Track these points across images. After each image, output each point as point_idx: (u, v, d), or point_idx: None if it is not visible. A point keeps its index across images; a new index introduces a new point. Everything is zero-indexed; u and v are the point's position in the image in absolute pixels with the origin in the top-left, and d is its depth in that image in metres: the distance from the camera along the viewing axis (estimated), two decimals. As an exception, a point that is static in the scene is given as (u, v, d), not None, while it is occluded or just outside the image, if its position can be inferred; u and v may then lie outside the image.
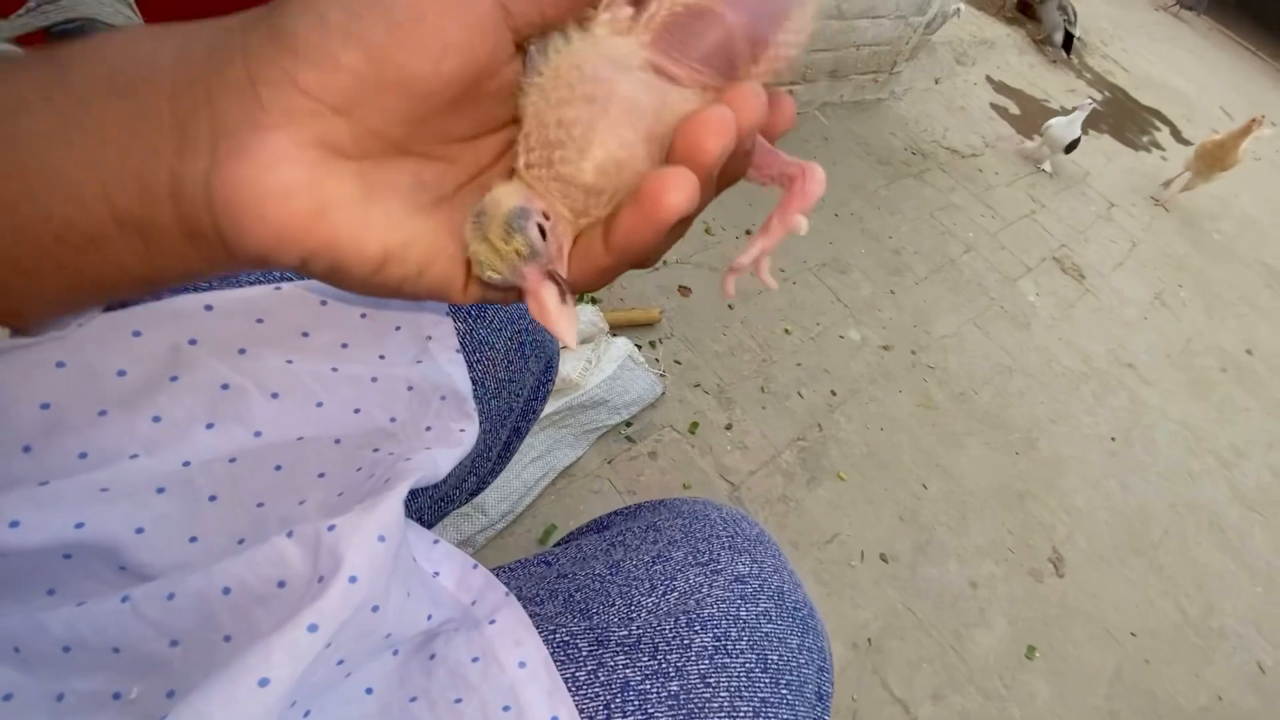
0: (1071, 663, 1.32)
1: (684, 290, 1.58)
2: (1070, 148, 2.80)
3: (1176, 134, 4.26)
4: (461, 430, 0.37)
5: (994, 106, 3.14)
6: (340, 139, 0.18)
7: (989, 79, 3.46)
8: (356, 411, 0.32)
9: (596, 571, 0.36)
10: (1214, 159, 2.87)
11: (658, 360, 1.42)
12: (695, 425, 1.34)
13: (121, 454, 0.27)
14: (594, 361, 1.20)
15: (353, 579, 0.25)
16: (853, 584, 1.25)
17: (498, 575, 0.36)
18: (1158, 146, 3.95)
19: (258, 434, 0.29)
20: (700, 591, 0.35)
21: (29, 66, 0.18)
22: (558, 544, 0.44)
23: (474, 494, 0.46)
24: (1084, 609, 1.42)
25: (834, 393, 1.56)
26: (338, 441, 0.32)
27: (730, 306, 1.62)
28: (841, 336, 1.70)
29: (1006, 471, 1.60)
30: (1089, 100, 2.85)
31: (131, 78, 0.18)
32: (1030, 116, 3.39)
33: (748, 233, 1.84)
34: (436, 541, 0.35)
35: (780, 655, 0.35)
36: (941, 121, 2.87)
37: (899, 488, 1.44)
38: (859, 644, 1.18)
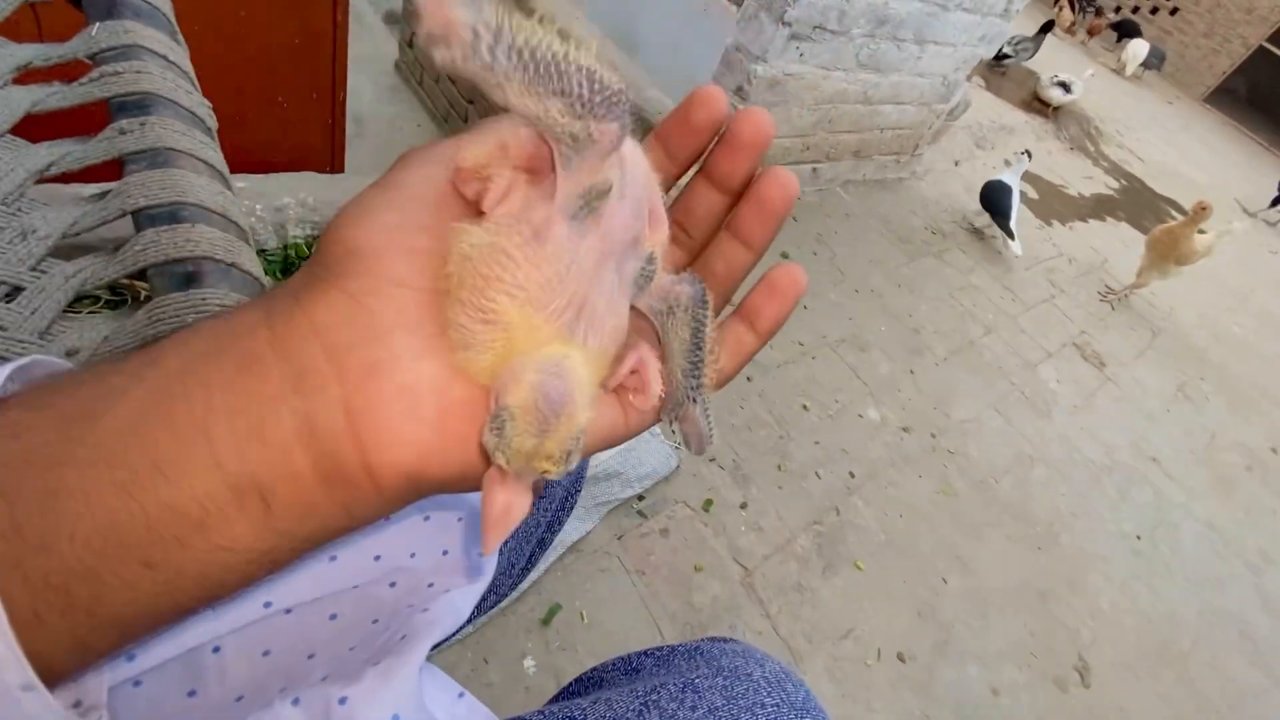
0: (1099, 786, 1.24)
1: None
2: (1002, 209, 2.53)
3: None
4: (480, 555, 0.34)
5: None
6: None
7: (1007, 164, 3.53)
8: (377, 559, 0.30)
9: None
10: (1165, 248, 2.60)
11: (674, 431, 1.39)
12: (709, 503, 1.30)
13: (118, 656, 0.23)
14: (610, 433, 1.17)
15: None
16: (868, 685, 1.18)
17: (516, 725, 0.33)
18: (1174, 236, 3.98)
19: (267, 604, 0.27)
20: None
21: (116, 360, 0.17)
22: (582, 683, 0.41)
23: (492, 609, 0.43)
24: (1112, 725, 1.33)
25: (852, 474, 1.52)
26: (355, 586, 0.29)
27: (748, 379, 1.60)
28: (860, 416, 1.67)
29: (1029, 568, 1.54)
30: (1024, 152, 2.69)
31: (227, 342, 0.17)
32: (1048, 201, 3.44)
33: (768, 304, 1.84)
34: (462, 695, 0.32)
35: None
36: (961, 202, 2.91)
37: (917, 580, 1.38)
38: (873, 753, 1.10)
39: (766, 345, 0.25)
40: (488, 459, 0.18)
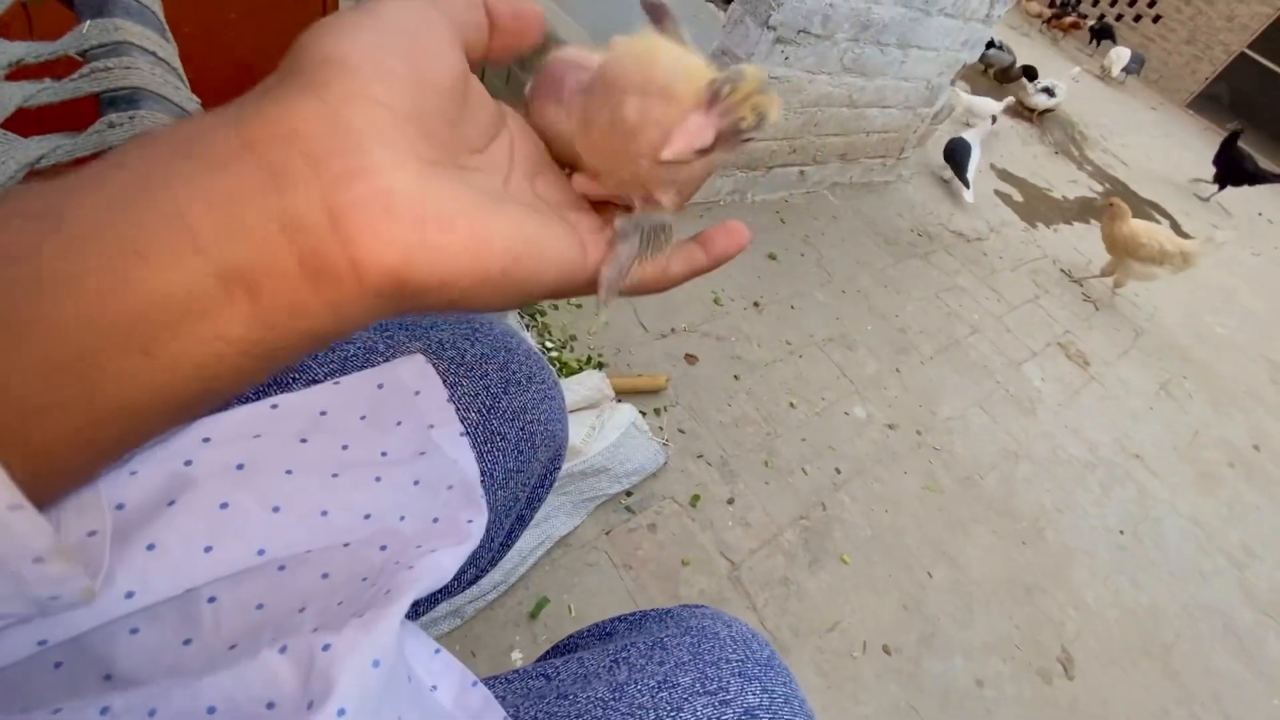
0: (1083, 775, 1.25)
1: (691, 358, 1.59)
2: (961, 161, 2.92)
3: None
4: (470, 521, 0.35)
5: (998, 193, 3.23)
6: (421, 146, 0.18)
7: (993, 167, 3.58)
8: (367, 518, 0.31)
9: (599, 695, 0.34)
10: (1112, 245, 2.73)
11: (661, 429, 1.41)
12: (697, 498, 1.32)
13: (116, 592, 0.25)
14: (597, 428, 1.18)
15: (341, 711, 0.23)
16: (854, 677, 1.20)
17: (493, 685, 0.34)
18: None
19: (261, 551, 0.28)
20: None
21: (79, 169, 0.16)
22: (558, 650, 0.42)
23: (471, 583, 0.44)
24: (1095, 716, 1.35)
25: (838, 470, 1.53)
26: (346, 545, 0.31)
27: (736, 377, 1.62)
28: (847, 413, 1.69)
29: (1013, 562, 1.56)
30: (992, 117, 3.12)
31: (193, 144, 0.16)
32: (1033, 204, 3.49)
33: (755, 304, 1.86)
34: (438, 651, 0.33)
35: None
36: (947, 206, 2.95)
37: (903, 574, 1.40)
38: (859, 744, 1.12)
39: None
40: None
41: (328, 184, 0.16)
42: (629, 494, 1.26)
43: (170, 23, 0.78)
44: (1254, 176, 4.95)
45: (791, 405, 1.63)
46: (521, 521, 0.47)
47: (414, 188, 0.17)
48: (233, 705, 0.24)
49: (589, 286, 0.23)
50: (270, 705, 0.24)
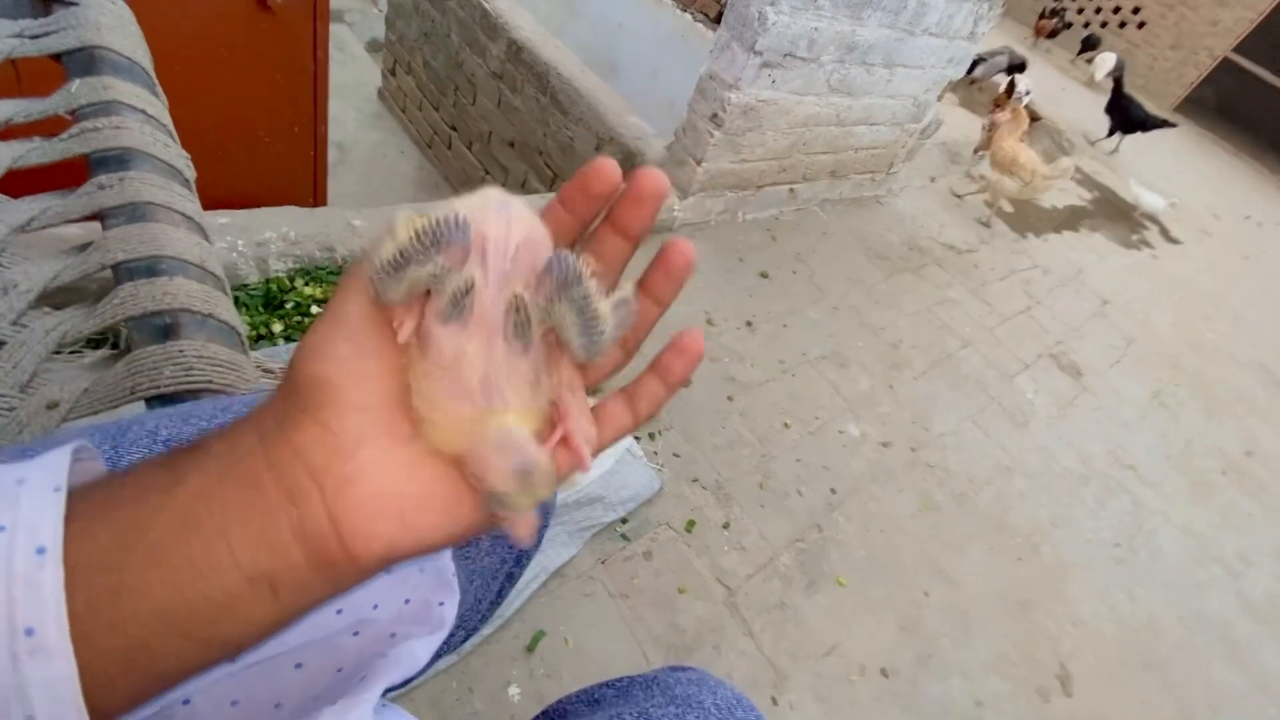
0: (1084, 795, 1.25)
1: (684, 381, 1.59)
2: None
3: (1165, 233, 4.40)
4: (441, 604, 0.36)
5: (988, 205, 3.25)
6: (403, 424, 0.23)
7: (984, 177, 3.60)
8: (339, 613, 0.32)
9: None
10: (999, 162, 3.05)
11: (656, 453, 1.41)
12: (692, 523, 1.32)
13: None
14: (592, 458, 1.19)
15: None
16: (852, 701, 1.20)
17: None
18: (1148, 245, 4.07)
19: (233, 660, 0.29)
20: None
21: (148, 473, 0.22)
22: (548, 717, 0.42)
23: (462, 643, 0.44)
24: (1095, 733, 1.35)
25: (833, 491, 1.54)
26: (320, 638, 0.31)
27: (730, 398, 1.63)
28: (841, 432, 1.70)
29: (1009, 578, 1.56)
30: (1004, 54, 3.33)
31: (234, 464, 0.22)
32: (1022, 213, 3.52)
33: (748, 323, 1.87)
34: (421, 733, 0.33)
35: None
36: (937, 218, 2.97)
37: (900, 595, 1.40)
38: (859, 770, 1.11)
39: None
40: (478, 516, 0.24)
41: (330, 494, 0.22)
42: (624, 521, 1.26)
43: (160, 59, 0.79)
44: (1144, 123, 5.21)
45: (785, 425, 1.63)
46: (511, 579, 0.47)
47: (395, 483, 0.23)
48: None
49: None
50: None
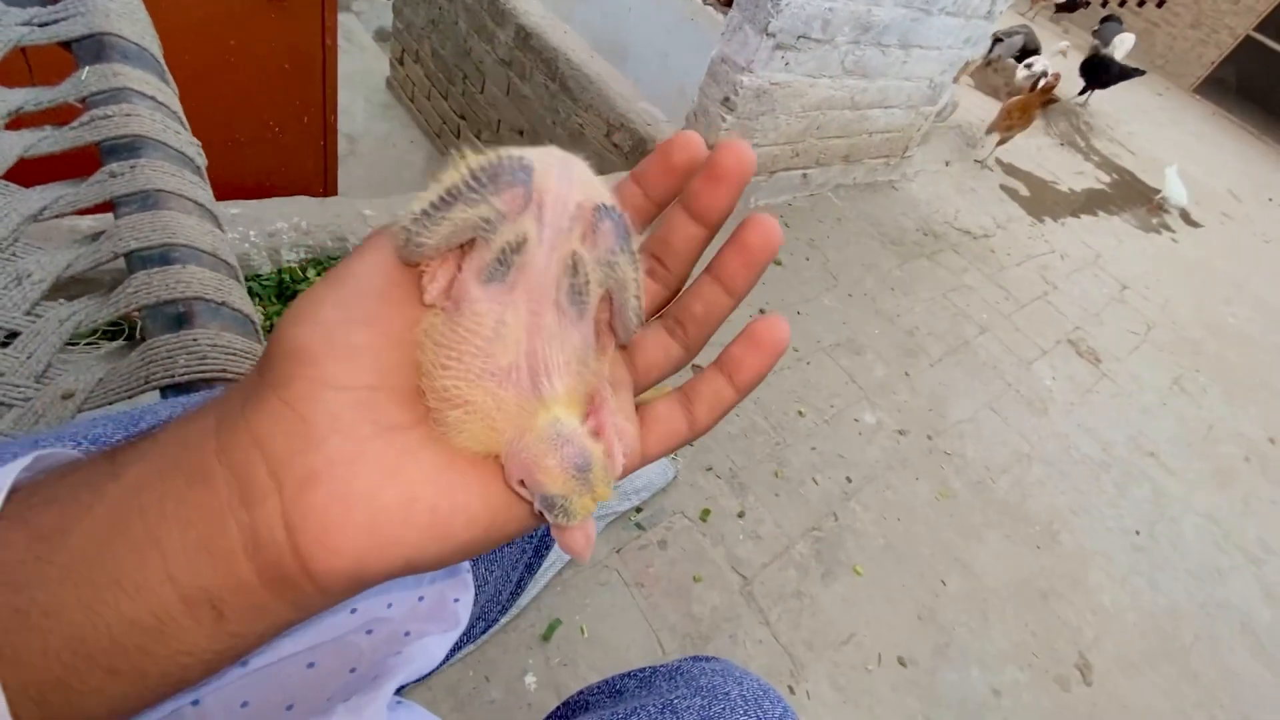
0: (1104, 784, 1.24)
1: (697, 369, 1.58)
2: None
3: (1185, 216, 4.32)
4: (455, 600, 0.35)
5: (1004, 188, 3.20)
6: (387, 412, 0.18)
7: (999, 161, 3.54)
8: (353, 612, 0.31)
9: None
10: (1018, 117, 3.19)
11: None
12: (707, 512, 1.31)
13: None
14: (606, 447, 1.18)
15: None
16: (870, 690, 1.19)
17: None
18: (1167, 229, 4.00)
19: (244, 663, 0.28)
20: None
21: (90, 466, 0.18)
22: (568, 708, 0.42)
23: (483, 634, 0.44)
24: (1115, 722, 1.33)
25: (849, 479, 1.53)
26: (333, 638, 0.30)
27: (744, 387, 1.61)
28: (856, 420, 1.68)
29: (1028, 567, 1.54)
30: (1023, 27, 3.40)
31: (180, 453, 0.18)
32: (1039, 197, 3.46)
33: (761, 311, 1.85)
34: (436, 725, 0.33)
35: None
36: (953, 203, 2.93)
37: (917, 584, 1.39)
38: (877, 758, 1.11)
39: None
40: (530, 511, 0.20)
41: (288, 494, 0.17)
42: (639, 510, 1.25)
43: (170, 49, 0.78)
44: (1119, 75, 5.23)
45: (800, 413, 1.62)
46: (530, 569, 0.47)
47: (368, 484, 0.18)
48: None
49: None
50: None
